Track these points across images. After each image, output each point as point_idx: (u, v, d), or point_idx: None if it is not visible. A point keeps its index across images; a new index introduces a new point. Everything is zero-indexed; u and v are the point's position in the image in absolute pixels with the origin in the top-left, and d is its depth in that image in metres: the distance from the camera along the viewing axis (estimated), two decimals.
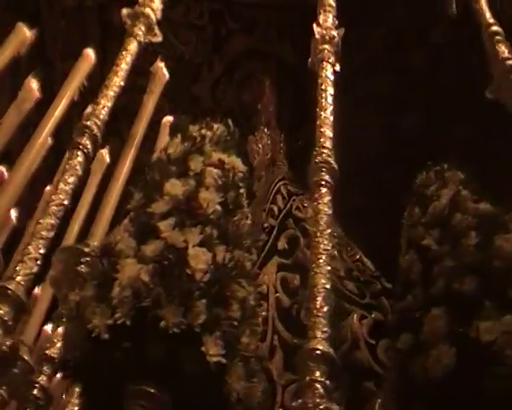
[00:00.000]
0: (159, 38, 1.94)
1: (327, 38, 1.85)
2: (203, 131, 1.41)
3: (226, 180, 1.27)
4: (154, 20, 1.93)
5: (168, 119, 2.29)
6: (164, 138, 2.01)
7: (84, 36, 3.12)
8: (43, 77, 2.12)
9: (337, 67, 1.87)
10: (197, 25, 3.00)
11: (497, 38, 1.89)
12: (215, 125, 1.45)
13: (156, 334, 1.00)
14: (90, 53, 2.01)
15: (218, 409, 1.04)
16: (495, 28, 1.91)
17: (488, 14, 1.99)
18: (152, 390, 1.04)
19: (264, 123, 2.84)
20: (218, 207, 1.19)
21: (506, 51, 1.83)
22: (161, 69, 2.25)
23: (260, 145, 2.75)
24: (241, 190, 1.32)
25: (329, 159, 1.43)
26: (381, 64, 3.11)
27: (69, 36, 3.11)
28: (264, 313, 1.67)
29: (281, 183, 2.38)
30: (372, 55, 3.12)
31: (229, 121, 1.51)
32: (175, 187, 1.21)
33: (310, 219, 1.37)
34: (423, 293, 1.14)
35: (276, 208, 2.21)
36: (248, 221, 1.29)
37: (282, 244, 2.00)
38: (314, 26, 1.87)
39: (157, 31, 1.94)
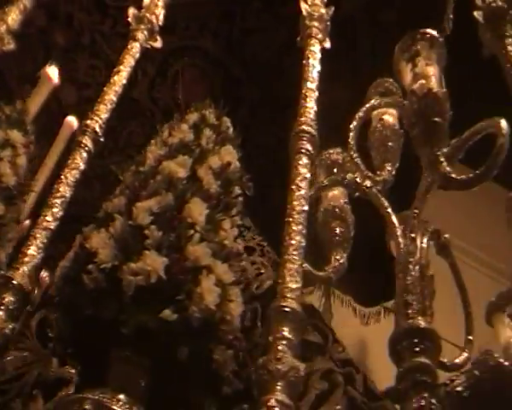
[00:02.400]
0: (11, 46, 2.18)
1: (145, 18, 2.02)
2: None
3: None
4: (3, 30, 2.17)
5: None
6: None
7: (33, 60, 3.44)
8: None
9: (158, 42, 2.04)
10: (125, 33, 3.24)
11: None
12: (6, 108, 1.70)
13: None
14: None
15: None
16: None
17: None
18: None
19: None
20: None
21: None
22: (47, 73, 2.47)
23: None
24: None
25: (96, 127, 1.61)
26: None
27: (21, 62, 3.44)
28: None
29: None
30: None
31: (18, 102, 1.75)
32: None
33: None
34: None
35: None
36: None
37: None
38: None
39: (10, 40, 2.19)
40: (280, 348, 0.98)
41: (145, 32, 1.97)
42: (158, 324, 1.01)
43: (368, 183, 1.50)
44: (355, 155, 1.57)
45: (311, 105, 1.50)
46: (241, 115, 3.33)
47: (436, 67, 1.45)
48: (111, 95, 1.71)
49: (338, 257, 1.51)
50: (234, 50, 3.17)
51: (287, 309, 1.04)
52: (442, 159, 1.27)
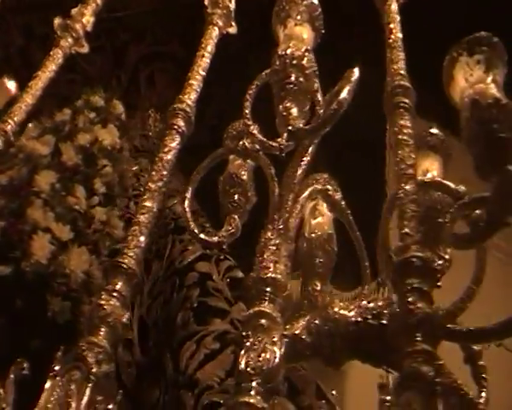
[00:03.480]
0: None
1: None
2: None
3: None
4: None
5: None
6: None
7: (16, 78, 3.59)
8: None
9: None
10: (97, 46, 3.38)
11: None
12: None
13: None
14: None
15: None
16: None
17: None
18: None
19: None
20: None
21: None
22: (5, 84, 2.62)
23: None
24: None
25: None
26: None
27: None
28: None
29: None
30: None
31: None
32: None
33: None
34: None
35: None
36: None
37: None
38: None
39: None
40: (104, 296, 1.05)
41: (69, 40, 2.06)
42: None
43: (257, 147, 1.53)
44: (249, 123, 1.61)
45: (194, 86, 1.57)
46: (209, 115, 3.42)
47: (307, 28, 1.47)
48: (28, 98, 1.79)
49: (231, 222, 1.54)
50: None
51: (122, 264, 1.11)
52: (294, 113, 1.30)
